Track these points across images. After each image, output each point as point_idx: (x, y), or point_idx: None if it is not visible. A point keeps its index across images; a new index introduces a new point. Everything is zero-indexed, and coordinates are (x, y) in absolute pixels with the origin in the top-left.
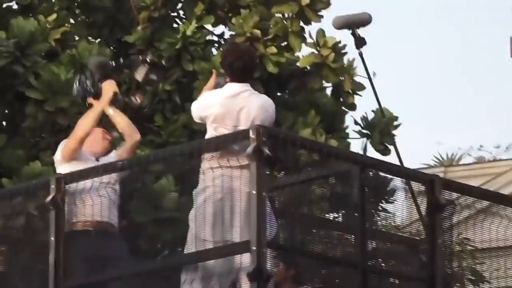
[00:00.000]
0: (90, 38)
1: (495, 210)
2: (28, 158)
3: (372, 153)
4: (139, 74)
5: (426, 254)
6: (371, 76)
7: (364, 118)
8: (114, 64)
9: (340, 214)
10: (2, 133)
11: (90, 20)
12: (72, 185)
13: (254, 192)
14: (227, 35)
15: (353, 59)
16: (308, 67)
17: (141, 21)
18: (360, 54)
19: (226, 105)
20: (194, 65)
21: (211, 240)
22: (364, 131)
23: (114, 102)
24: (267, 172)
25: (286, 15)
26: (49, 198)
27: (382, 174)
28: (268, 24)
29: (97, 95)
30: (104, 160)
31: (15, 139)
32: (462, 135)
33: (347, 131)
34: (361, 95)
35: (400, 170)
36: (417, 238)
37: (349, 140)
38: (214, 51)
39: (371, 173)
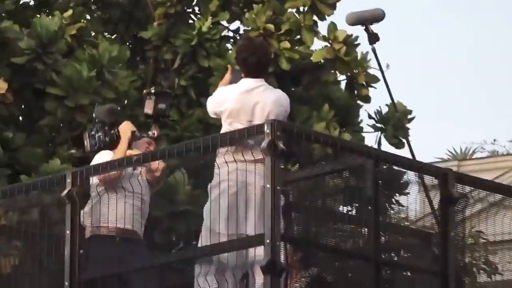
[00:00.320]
0: (106, 34)
1: (508, 204)
2: (46, 155)
3: (386, 146)
4: (148, 107)
5: (439, 247)
6: (384, 68)
7: (378, 112)
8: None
9: (353, 208)
10: (19, 131)
11: (106, 16)
12: (100, 191)
13: (268, 186)
14: (241, 31)
15: (367, 52)
16: (322, 61)
17: (157, 17)
18: (373, 50)
19: (241, 100)
20: (209, 61)
21: (225, 233)
22: (378, 124)
23: (133, 141)
24: (282, 166)
25: (299, 9)
26: (65, 192)
27: (395, 167)
28: (281, 18)
29: (113, 144)
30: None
31: (33, 137)
32: (476, 130)
33: (361, 125)
34: (375, 87)
35: (413, 164)
36: (430, 231)
37: (363, 134)
38: (229, 46)
39: (384, 166)
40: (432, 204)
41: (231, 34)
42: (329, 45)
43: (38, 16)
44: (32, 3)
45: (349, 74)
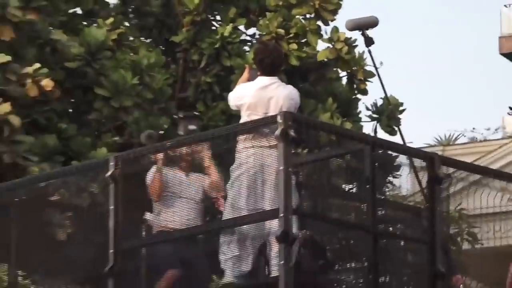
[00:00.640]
0: (142, 38)
1: (485, 182)
2: (93, 144)
3: (381, 134)
4: (181, 129)
5: (428, 220)
6: (378, 66)
7: (374, 105)
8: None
9: (354, 186)
10: (71, 123)
11: (142, 23)
12: (168, 193)
13: (281, 168)
14: (257, 35)
15: (363, 52)
16: (325, 59)
17: (185, 24)
18: (369, 52)
19: (257, 96)
20: (231, 61)
21: (245, 208)
22: (374, 115)
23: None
24: (292, 151)
25: (305, 16)
26: (109, 173)
27: (389, 152)
28: (290, 24)
29: None
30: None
31: (83, 130)
32: (458, 119)
33: (359, 115)
34: (371, 81)
35: (405, 149)
36: (419, 206)
37: (361, 123)
38: (247, 48)
39: (380, 151)
40: (421, 183)
41: (248, 38)
42: (331, 46)
43: (85, 23)
44: (79, 12)
45: (349, 71)
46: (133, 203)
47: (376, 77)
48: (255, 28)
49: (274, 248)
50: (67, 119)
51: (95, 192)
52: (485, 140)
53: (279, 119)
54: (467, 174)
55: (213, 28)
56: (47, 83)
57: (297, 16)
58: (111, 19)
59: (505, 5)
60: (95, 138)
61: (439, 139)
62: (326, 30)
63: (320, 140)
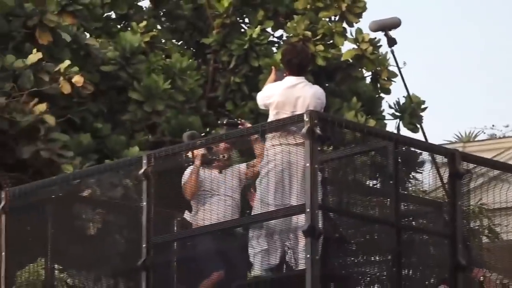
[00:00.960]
0: (173, 40)
1: (504, 178)
2: (127, 142)
3: (403, 131)
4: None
5: (449, 214)
6: (401, 66)
7: (397, 103)
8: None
9: (378, 182)
10: (106, 123)
11: (173, 26)
12: (200, 194)
13: (308, 164)
14: (284, 37)
15: (386, 52)
16: (350, 60)
17: (215, 26)
18: (392, 52)
19: (285, 95)
20: (259, 61)
21: (273, 203)
22: (397, 113)
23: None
24: (318, 148)
25: (331, 19)
26: (142, 171)
27: (412, 149)
28: (316, 26)
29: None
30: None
31: (117, 129)
32: (478, 117)
33: (383, 113)
34: (395, 81)
35: (427, 145)
36: (441, 201)
37: (385, 121)
38: (274, 49)
39: (403, 148)
40: (442, 179)
41: (275, 39)
42: (356, 46)
43: (119, 26)
44: (113, 16)
45: (373, 71)
46: (165, 199)
47: (399, 76)
48: (282, 30)
49: (301, 242)
50: (102, 119)
51: (128, 189)
52: (504, 137)
53: (305, 118)
54: (486, 169)
55: (242, 30)
56: (78, 79)
57: (324, 19)
58: (144, 23)
59: None
60: (129, 137)
61: (459, 136)
62: (351, 32)
63: (345, 138)
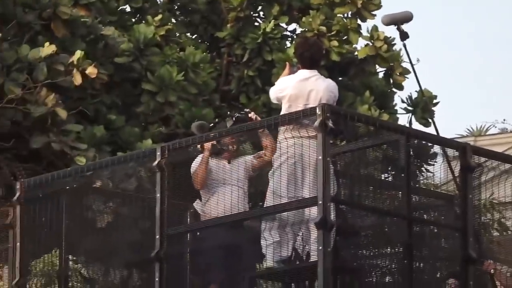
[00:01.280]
0: (188, 34)
1: None
2: (141, 135)
3: (415, 125)
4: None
5: (460, 207)
6: (414, 62)
7: (409, 97)
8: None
9: (390, 175)
10: (120, 115)
11: (188, 20)
12: (209, 184)
13: (320, 157)
14: (298, 31)
15: (400, 49)
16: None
17: (229, 20)
18: (404, 46)
19: (298, 87)
20: (272, 55)
21: (285, 195)
22: (409, 108)
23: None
24: (331, 141)
25: (346, 15)
26: (156, 162)
27: (424, 142)
28: (331, 22)
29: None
30: (237, 161)
31: (131, 121)
32: (489, 111)
33: (395, 108)
34: (408, 77)
35: (438, 139)
36: (452, 194)
37: (397, 115)
38: (288, 44)
39: (415, 141)
40: (454, 172)
41: (289, 34)
42: (371, 43)
43: (133, 19)
44: (128, 9)
45: (386, 67)
46: (178, 191)
47: (411, 71)
48: (295, 24)
49: (313, 234)
50: (115, 110)
51: (142, 180)
52: None
53: (318, 111)
54: (497, 163)
55: (256, 24)
56: (91, 71)
57: (339, 15)
58: (159, 16)
59: None
60: (142, 129)
61: (471, 130)
62: (367, 28)
63: (357, 131)
